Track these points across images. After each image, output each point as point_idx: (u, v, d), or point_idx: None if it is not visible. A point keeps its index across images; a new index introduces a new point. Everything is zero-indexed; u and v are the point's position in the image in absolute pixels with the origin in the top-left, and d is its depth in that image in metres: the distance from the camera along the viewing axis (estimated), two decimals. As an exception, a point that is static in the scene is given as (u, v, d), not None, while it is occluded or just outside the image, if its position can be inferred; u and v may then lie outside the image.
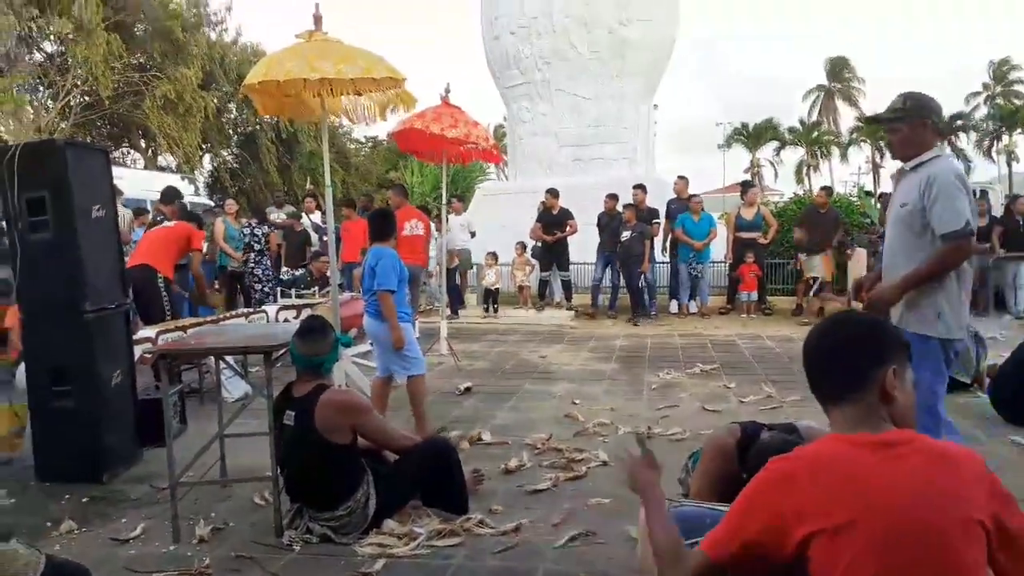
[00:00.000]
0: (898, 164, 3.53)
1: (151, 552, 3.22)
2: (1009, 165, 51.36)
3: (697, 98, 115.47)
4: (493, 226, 12.35)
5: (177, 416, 4.85)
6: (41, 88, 22.29)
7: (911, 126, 3.29)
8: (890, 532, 1.35)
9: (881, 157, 54.06)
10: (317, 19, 5.03)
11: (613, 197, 10.71)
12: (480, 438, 4.77)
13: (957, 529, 1.36)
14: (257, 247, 9.15)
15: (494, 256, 11.43)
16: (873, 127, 53.62)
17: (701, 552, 1.56)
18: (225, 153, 29.26)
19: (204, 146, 27.29)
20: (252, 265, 9.16)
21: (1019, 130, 50.43)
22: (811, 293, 10.34)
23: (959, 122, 53.10)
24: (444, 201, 8.78)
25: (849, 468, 1.43)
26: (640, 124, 14.36)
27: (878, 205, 11.89)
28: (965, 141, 53.63)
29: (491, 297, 11.13)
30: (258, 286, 9.18)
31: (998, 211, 11.30)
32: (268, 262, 9.31)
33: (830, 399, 1.59)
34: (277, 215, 12.13)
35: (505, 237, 11.73)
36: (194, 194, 19.35)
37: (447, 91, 7.37)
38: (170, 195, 8.00)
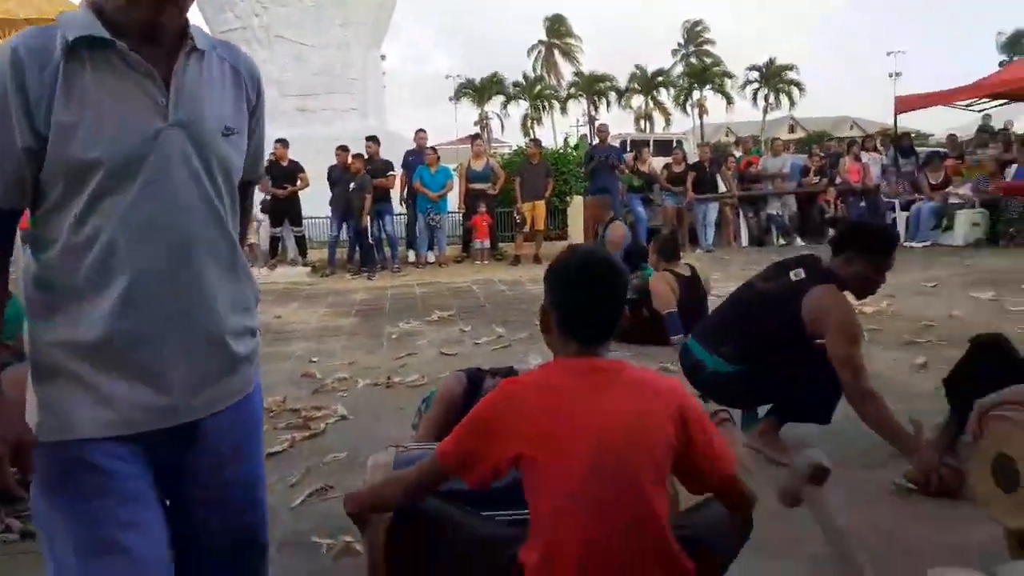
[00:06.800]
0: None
1: None
2: (701, 118, 58.39)
3: (431, 52, 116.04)
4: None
5: None
6: None
7: None
8: (589, 456, 1.45)
9: (596, 110, 58.58)
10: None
11: (344, 149, 10.46)
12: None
13: (644, 455, 1.48)
14: None
15: None
16: (589, 81, 58.07)
17: (432, 457, 1.60)
18: None
19: None
20: None
21: (708, 86, 57.39)
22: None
23: (660, 78, 58.99)
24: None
25: (560, 393, 1.51)
26: (368, 74, 14.13)
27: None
28: (665, 96, 59.86)
29: None
30: None
31: (693, 159, 12.73)
32: None
33: (586, 337, 1.58)
34: None
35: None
36: None
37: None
38: None
